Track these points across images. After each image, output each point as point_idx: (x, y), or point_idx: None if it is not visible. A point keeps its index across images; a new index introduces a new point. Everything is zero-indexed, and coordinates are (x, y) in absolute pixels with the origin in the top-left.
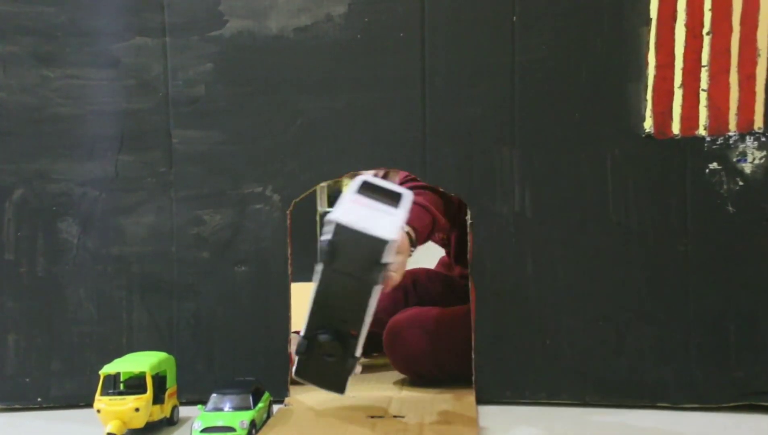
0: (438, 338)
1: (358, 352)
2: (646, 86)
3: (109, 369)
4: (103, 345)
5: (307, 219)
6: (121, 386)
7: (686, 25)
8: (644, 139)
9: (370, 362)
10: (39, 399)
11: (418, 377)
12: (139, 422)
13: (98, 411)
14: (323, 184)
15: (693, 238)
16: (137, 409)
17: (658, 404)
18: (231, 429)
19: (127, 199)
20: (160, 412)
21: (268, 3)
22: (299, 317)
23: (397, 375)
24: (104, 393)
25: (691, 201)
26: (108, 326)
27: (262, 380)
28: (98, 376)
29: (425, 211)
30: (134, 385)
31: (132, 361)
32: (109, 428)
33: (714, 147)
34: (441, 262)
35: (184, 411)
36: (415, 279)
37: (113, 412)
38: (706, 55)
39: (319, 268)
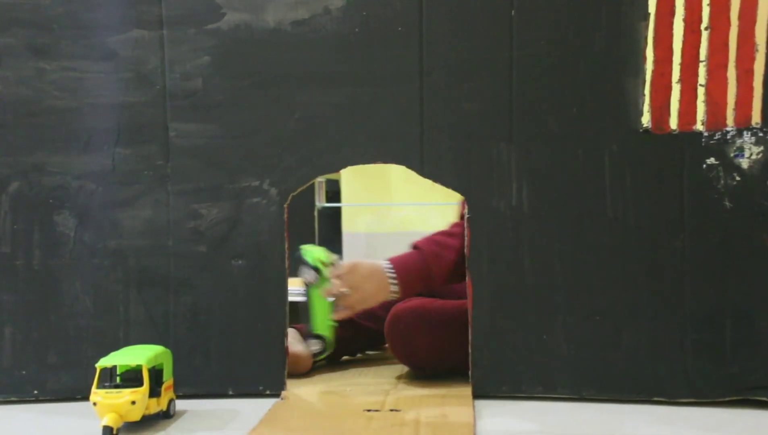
0: (440, 331)
1: None
2: (644, 81)
3: (105, 362)
4: (100, 338)
5: (305, 213)
6: (118, 379)
7: (684, 20)
8: (642, 134)
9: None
10: (35, 392)
11: (417, 369)
12: (135, 415)
13: (94, 404)
14: (321, 178)
15: (690, 233)
16: (133, 402)
17: (654, 399)
18: None
19: (124, 193)
20: (156, 406)
21: None
22: (295, 312)
23: (394, 369)
24: (100, 386)
25: (689, 196)
26: (104, 320)
27: (258, 375)
28: (94, 369)
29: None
30: (130, 378)
31: (128, 355)
32: (105, 421)
33: (711, 142)
34: None
35: (180, 404)
36: None
37: (109, 405)
38: (704, 50)
39: None
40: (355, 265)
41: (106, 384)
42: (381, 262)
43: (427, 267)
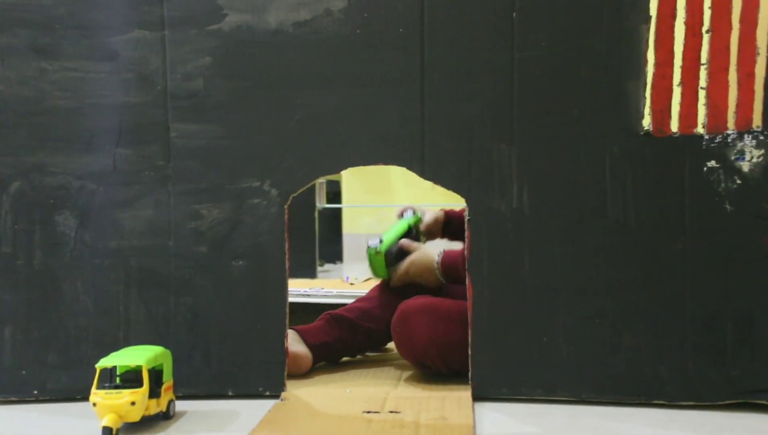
0: (446, 328)
1: None
2: (645, 84)
3: (105, 363)
4: (100, 338)
5: (306, 214)
6: (118, 380)
7: (686, 23)
8: (643, 137)
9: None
10: (35, 392)
11: (421, 367)
12: (134, 416)
13: (94, 404)
14: (321, 179)
15: (690, 236)
16: (133, 403)
17: (654, 402)
18: None
19: (125, 193)
20: (156, 406)
21: None
22: (296, 313)
23: (394, 371)
24: (100, 387)
25: (689, 199)
26: (105, 320)
27: (258, 376)
28: (94, 370)
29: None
30: (130, 378)
31: (128, 355)
32: (105, 422)
33: (712, 145)
34: None
35: (180, 405)
36: None
37: (109, 405)
38: (705, 53)
39: None
40: (422, 250)
41: (106, 384)
42: (437, 252)
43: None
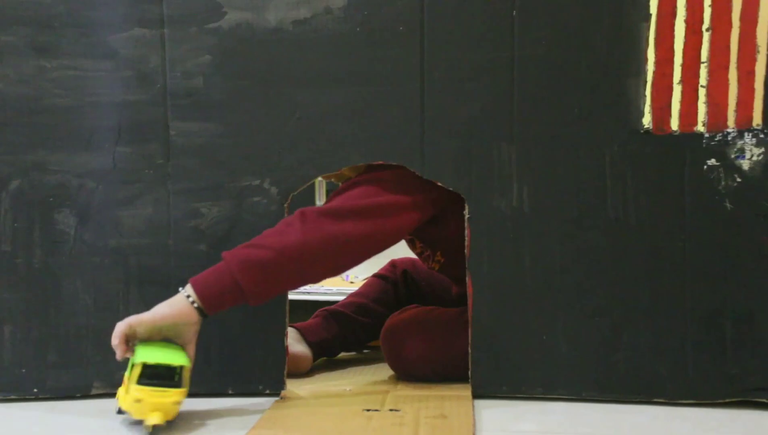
0: (438, 346)
1: None
2: (645, 82)
3: (147, 358)
4: (100, 337)
5: None
6: (175, 377)
7: (686, 21)
8: (643, 135)
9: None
10: (35, 390)
11: (413, 379)
12: (173, 416)
13: (137, 401)
14: (321, 177)
15: (690, 234)
16: (177, 403)
17: (654, 400)
18: None
19: (125, 191)
20: None
21: None
22: (296, 311)
23: None
24: (143, 383)
25: (689, 197)
26: (104, 318)
27: (258, 374)
28: (95, 368)
29: (227, 274)
30: (164, 375)
31: (166, 353)
32: (154, 420)
33: (712, 143)
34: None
35: None
36: (405, 269)
37: (155, 403)
38: (705, 51)
39: None
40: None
41: (155, 381)
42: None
43: (230, 272)
